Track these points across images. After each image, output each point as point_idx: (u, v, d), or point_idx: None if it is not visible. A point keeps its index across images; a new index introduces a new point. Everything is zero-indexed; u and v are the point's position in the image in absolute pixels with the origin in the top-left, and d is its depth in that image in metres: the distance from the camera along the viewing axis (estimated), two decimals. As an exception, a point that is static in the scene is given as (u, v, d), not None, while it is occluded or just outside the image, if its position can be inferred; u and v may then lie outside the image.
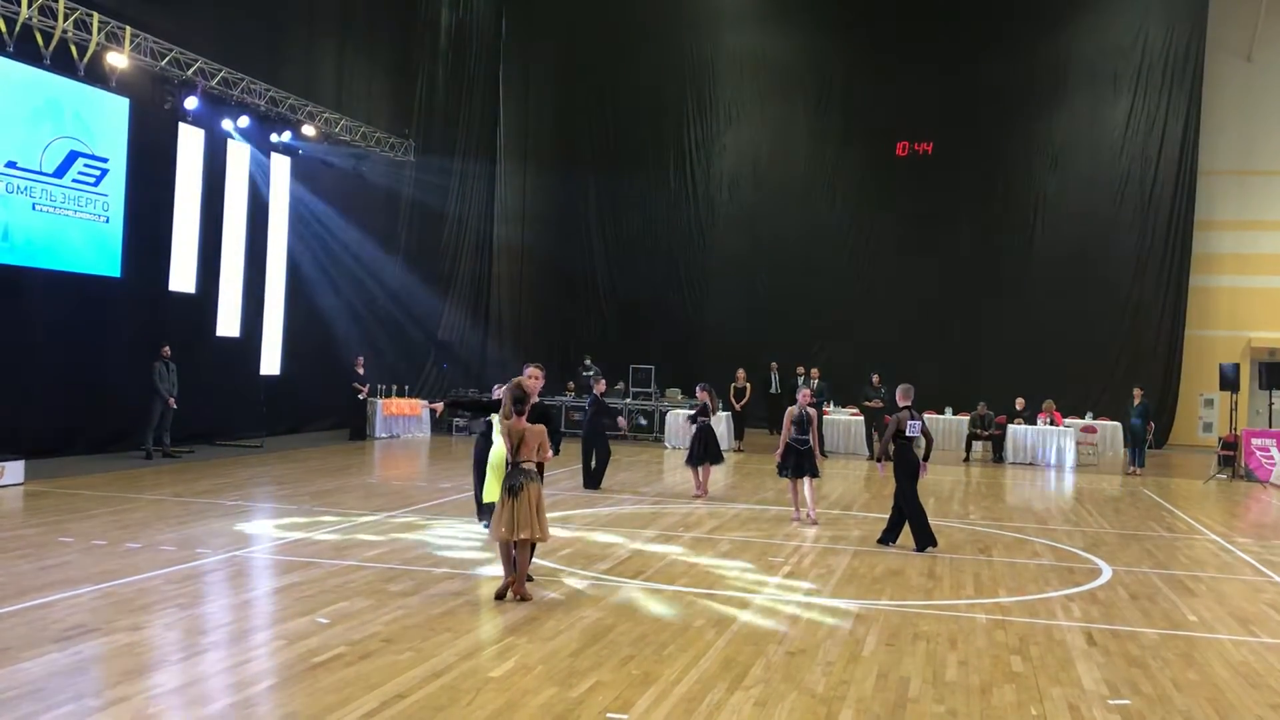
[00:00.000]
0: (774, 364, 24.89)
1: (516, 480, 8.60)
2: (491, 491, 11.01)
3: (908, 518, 11.68)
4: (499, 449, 9.20)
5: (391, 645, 7.21)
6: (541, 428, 8.80)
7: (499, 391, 12.17)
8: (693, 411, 16.86)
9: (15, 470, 14.11)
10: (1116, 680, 7.03)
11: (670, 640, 7.58)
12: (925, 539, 11.53)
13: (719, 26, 30.63)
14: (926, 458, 11.79)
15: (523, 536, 8.53)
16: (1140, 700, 6.63)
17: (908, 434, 11.61)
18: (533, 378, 9.46)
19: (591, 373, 22.96)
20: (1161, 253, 27.92)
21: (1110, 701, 6.56)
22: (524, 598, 8.58)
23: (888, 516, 12.04)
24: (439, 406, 11.72)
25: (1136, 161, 28.04)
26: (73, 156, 17.13)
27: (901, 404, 11.86)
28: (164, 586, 8.71)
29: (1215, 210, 28.10)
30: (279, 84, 21.52)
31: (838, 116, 29.77)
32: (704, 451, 15.56)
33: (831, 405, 23.97)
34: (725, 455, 17.79)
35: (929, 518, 11.75)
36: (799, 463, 13.20)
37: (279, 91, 21.49)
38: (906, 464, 11.64)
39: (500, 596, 8.58)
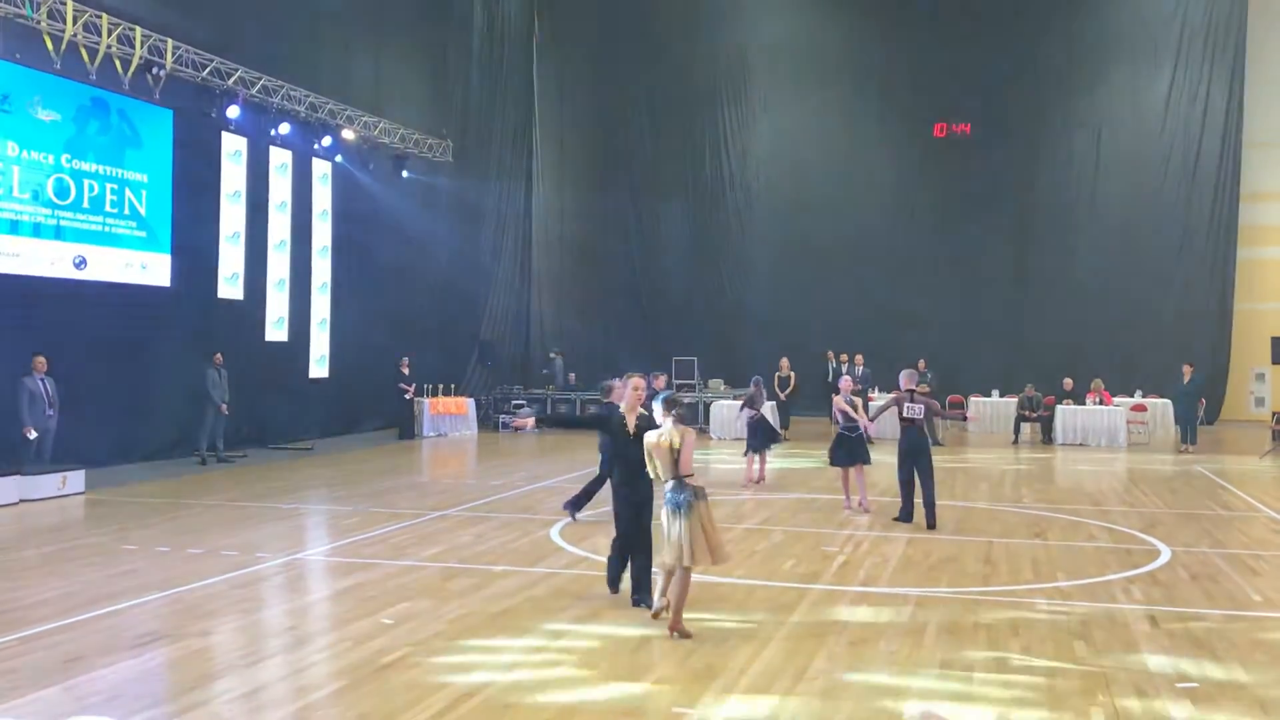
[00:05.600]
0: (829, 352, 25.14)
1: (682, 497, 7.39)
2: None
3: (899, 486, 12.30)
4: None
5: (455, 644, 7.29)
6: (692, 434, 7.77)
7: (618, 388, 10.07)
8: (740, 402, 17.06)
9: (76, 480, 14.39)
10: (1183, 662, 6.97)
11: (731, 633, 7.62)
12: (906, 513, 12.19)
13: (753, 11, 30.49)
14: (950, 417, 12.61)
15: (703, 564, 7.51)
16: (1208, 684, 6.58)
17: (905, 415, 12.23)
18: (635, 389, 8.52)
19: (559, 362, 26.24)
20: (1207, 226, 27.50)
21: (1178, 685, 6.51)
22: (684, 634, 7.39)
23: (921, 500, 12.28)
24: (529, 423, 9.94)
25: (1180, 134, 27.62)
26: (118, 168, 17.39)
27: (904, 387, 12.40)
28: (229, 591, 8.86)
29: (1261, 181, 27.62)
30: (318, 89, 21.74)
31: (874, 99, 29.56)
32: (759, 440, 15.77)
33: (876, 391, 23.85)
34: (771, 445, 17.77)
35: (977, 502, 11.77)
36: (850, 450, 13.22)
37: (318, 97, 21.71)
38: (909, 443, 12.19)
39: (657, 616, 7.87)
